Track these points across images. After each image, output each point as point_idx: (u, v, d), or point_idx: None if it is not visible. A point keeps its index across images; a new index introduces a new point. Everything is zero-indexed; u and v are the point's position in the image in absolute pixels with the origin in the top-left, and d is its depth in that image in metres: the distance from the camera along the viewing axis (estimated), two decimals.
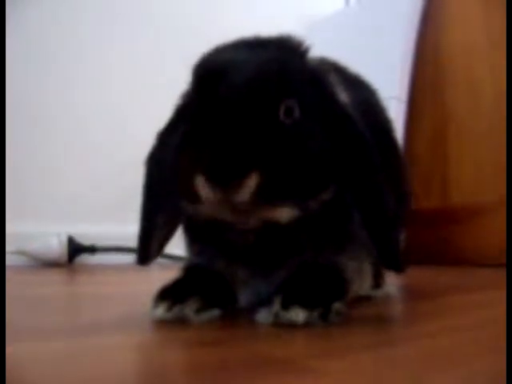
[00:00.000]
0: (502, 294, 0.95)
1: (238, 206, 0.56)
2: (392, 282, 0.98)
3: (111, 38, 1.98)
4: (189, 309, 0.63)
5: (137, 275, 1.45)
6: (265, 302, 0.63)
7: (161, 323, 0.62)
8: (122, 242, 1.78)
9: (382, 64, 1.84)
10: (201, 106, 0.60)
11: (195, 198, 0.57)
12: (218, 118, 0.57)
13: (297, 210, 0.60)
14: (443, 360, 0.46)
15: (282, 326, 0.58)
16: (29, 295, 0.95)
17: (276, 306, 0.60)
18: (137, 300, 0.87)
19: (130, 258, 1.66)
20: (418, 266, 1.59)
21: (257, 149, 0.55)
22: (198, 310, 0.63)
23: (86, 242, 1.83)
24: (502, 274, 1.35)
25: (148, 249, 0.72)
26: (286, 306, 0.59)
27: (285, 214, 0.60)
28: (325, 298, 0.62)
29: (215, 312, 0.65)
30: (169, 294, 0.65)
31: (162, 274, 1.04)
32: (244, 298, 0.72)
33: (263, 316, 0.61)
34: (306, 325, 0.58)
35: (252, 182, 0.55)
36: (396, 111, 1.82)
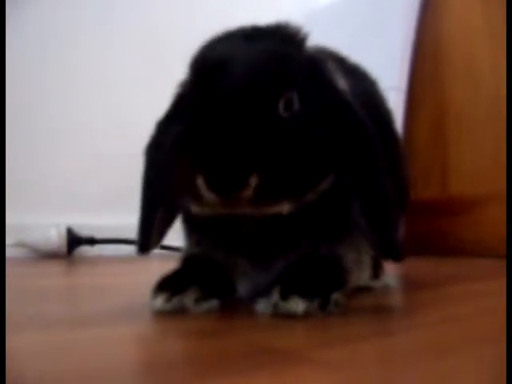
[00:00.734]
0: (502, 284, 0.96)
1: (238, 207, 0.56)
2: (391, 273, 0.98)
3: (111, 37, 1.98)
4: (188, 299, 0.63)
5: (136, 266, 1.46)
6: (264, 292, 0.63)
7: (160, 314, 0.62)
8: (121, 234, 1.78)
9: (382, 53, 1.82)
10: (200, 101, 0.60)
11: (197, 197, 0.57)
12: (218, 115, 0.57)
13: (296, 203, 0.60)
14: (442, 349, 0.46)
15: (281, 316, 0.59)
16: (28, 287, 0.95)
17: (275, 296, 0.60)
18: (136, 291, 0.87)
19: (130, 250, 1.66)
20: (418, 256, 1.59)
21: (256, 151, 0.55)
22: (197, 301, 0.63)
23: (85, 233, 1.83)
24: (501, 265, 1.35)
25: (148, 237, 0.72)
26: (285, 297, 0.59)
27: (285, 208, 0.60)
28: (324, 288, 0.62)
29: (214, 302, 0.65)
30: (168, 285, 0.65)
31: (161, 265, 1.04)
32: (243, 288, 0.71)
33: (262, 306, 0.61)
34: (305, 315, 0.58)
35: (252, 186, 0.55)
36: (396, 101, 1.81)
